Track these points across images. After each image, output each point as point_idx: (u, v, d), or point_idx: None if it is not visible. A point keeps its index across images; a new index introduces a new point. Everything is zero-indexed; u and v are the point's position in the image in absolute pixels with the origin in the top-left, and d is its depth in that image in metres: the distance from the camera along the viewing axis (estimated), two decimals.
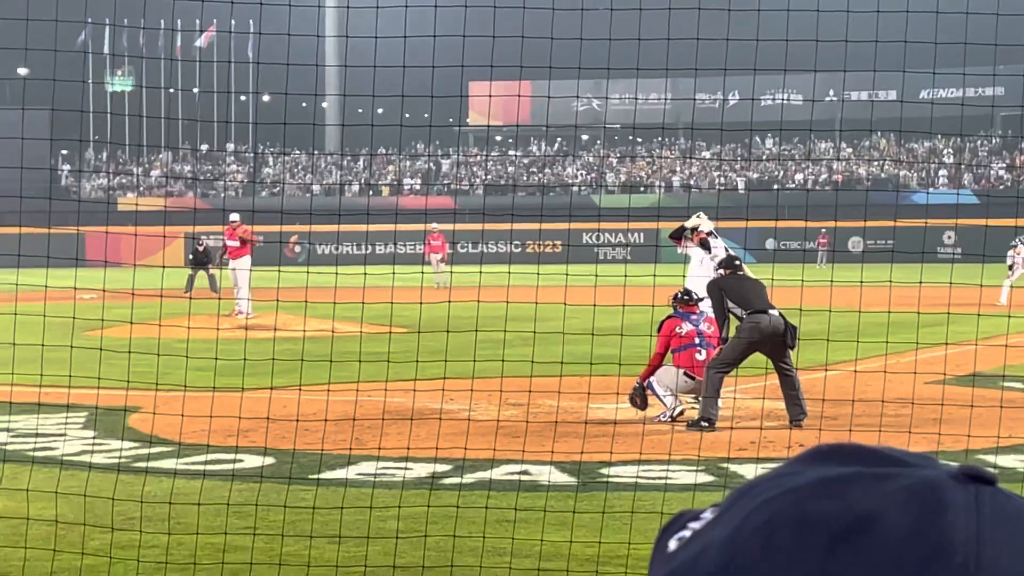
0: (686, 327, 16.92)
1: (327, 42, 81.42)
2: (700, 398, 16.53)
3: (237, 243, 35.38)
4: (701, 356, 16.69)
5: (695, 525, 0.99)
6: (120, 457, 13.75)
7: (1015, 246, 40.48)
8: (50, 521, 10.00)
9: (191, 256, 46.16)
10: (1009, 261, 39.89)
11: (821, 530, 0.91)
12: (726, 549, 0.93)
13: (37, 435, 14.98)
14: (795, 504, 0.93)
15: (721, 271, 17.35)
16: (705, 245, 19.48)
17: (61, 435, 15.18)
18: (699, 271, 19.15)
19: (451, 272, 44.91)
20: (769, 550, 0.92)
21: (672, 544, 0.99)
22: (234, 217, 36.22)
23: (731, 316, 16.59)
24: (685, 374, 16.70)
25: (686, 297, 17.33)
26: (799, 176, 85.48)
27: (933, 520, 0.91)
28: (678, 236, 19.90)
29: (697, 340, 16.84)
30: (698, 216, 19.90)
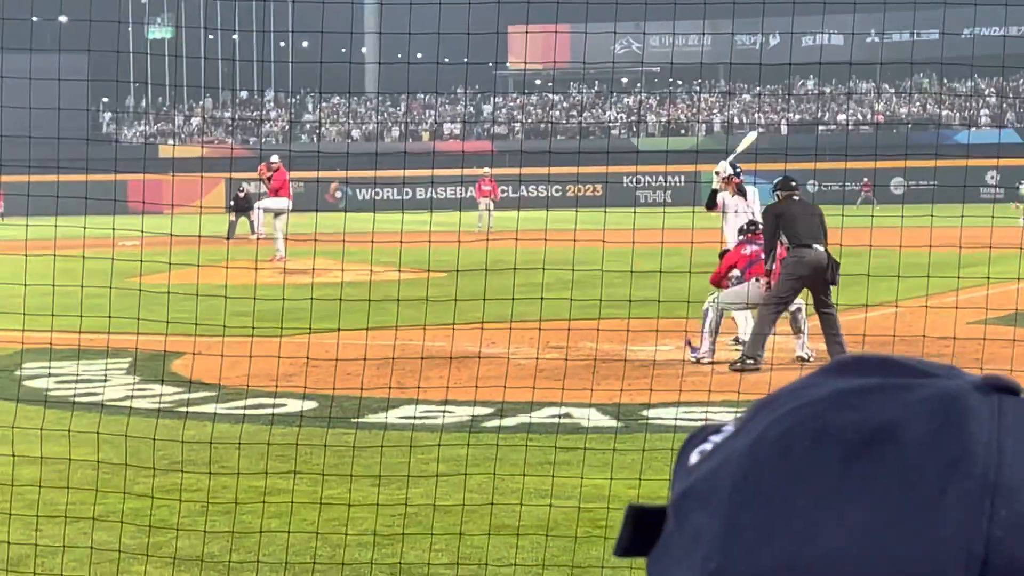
0: (751, 248, 17.04)
1: None
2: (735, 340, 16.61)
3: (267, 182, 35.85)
4: (768, 266, 16.78)
5: (716, 438, 0.99)
6: (161, 402, 13.84)
7: None
8: (94, 464, 10.08)
9: (232, 202, 46.15)
10: None
11: (839, 441, 0.90)
12: (744, 462, 0.93)
13: (78, 381, 15.09)
14: (814, 416, 0.93)
15: (778, 193, 17.21)
16: (742, 191, 19.31)
17: (103, 380, 15.29)
18: (735, 221, 19.04)
19: (490, 215, 44.96)
20: (787, 462, 0.91)
21: (694, 457, 0.99)
22: (275, 159, 36.33)
23: (780, 245, 16.58)
24: (757, 280, 16.74)
25: (752, 227, 17.40)
26: (841, 117, 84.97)
27: (953, 429, 0.89)
28: (713, 203, 19.54)
29: (763, 255, 16.86)
30: (716, 173, 19.59)
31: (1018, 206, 38.93)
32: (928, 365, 0.96)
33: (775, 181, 17.71)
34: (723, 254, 17.37)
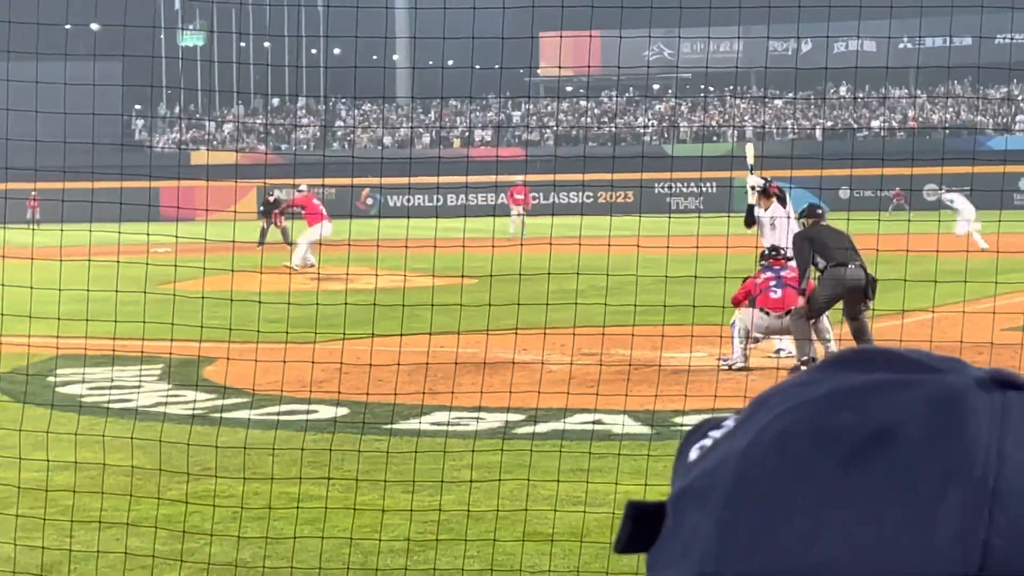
0: (764, 275, 17.26)
1: None
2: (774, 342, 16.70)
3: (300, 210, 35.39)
4: (775, 295, 16.99)
5: (716, 434, 0.97)
6: (194, 408, 13.85)
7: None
8: (127, 469, 10.09)
9: (262, 208, 45.62)
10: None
11: (836, 443, 0.88)
12: (741, 462, 0.90)
13: (112, 387, 15.11)
14: (811, 417, 0.90)
15: (804, 220, 17.44)
16: (782, 198, 19.12)
17: (136, 387, 15.31)
18: (771, 234, 18.88)
19: (523, 222, 45.03)
20: (783, 464, 0.88)
21: (694, 453, 0.97)
22: (302, 187, 36.27)
23: (812, 267, 16.76)
24: (761, 310, 17.01)
25: (773, 252, 17.55)
26: (875, 123, 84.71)
27: (952, 432, 0.86)
28: (752, 219, 19.27)
29: (773, 283, 17.11)
30: (752, 187, 19.26)
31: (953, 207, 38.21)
32: (931, 359, 0.93)
33: (800, 209, 17.83)
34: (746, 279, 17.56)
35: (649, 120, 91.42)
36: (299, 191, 36.39)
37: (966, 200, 38.71)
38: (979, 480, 0.84)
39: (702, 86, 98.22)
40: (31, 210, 57.19)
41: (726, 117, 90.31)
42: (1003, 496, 0.84)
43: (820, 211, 17.51)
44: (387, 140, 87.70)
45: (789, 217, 18.69)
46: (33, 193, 50.82)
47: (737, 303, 17.34)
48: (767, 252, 17.80)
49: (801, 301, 16.71)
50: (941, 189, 41.67)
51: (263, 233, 42.97)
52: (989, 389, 0.89)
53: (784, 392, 0.94)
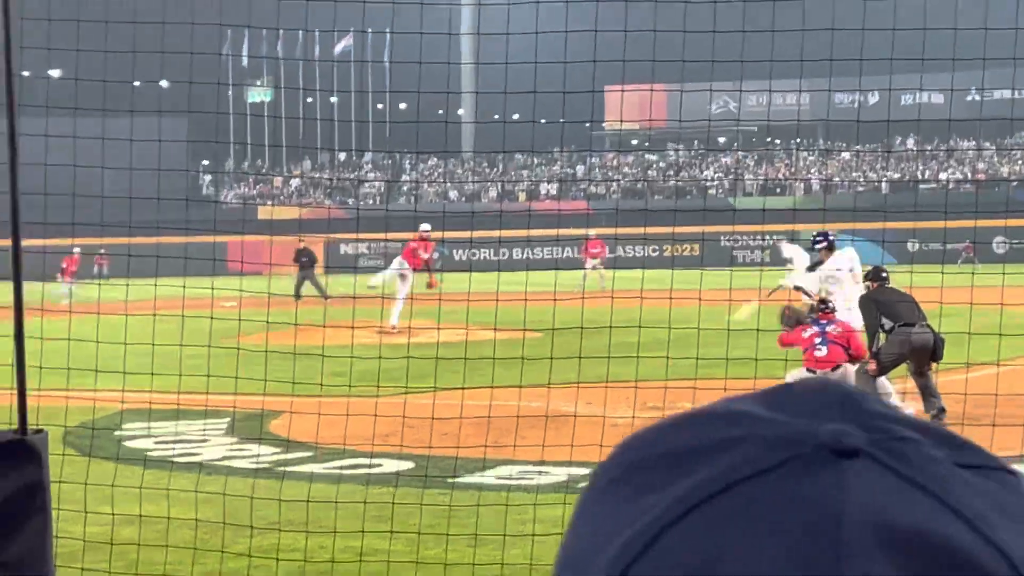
0: (811, 331, 17.27)
1: (462, 49, 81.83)
2: None
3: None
4: (820, 353, 17.01)
5: None
6: (258, 462, 13.91)
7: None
8: (192, 523, 10.14)
9: (293, 259, 43.53)
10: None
11: (630, 457, 0.91)
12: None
13: (177, 441, 15.20)
14: (652, 429, 0.93)
15: (869, 283, 17.59)
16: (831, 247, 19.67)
17: (202, 441, 15.39)
18: (794, 278, 19.18)
19: (601, 276, 45.12)
20: (603, 469, 0.93)
21: None
22: (425, 227, 33.35)
23: (880, 329, 16.86)
24: (808, 371, 17.05)
25: (823, 306, 17.60)
26: (942, 176, 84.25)
27: (727, 475, 0.85)
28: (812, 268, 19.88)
29: (818, 340, 17.12)
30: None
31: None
32: (852, 407, 0.89)
33: (865, 272, 18.08)
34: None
35: (715, 173, 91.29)
36: (424, 230, 33.29)
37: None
38: (654, 520, 0.85)
39: (768, 139, 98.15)
40: (98, 266, 57.58)
41: (792, 170, 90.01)
42: (663, 547, 0.85)
43: (884, 274, 17.68)
44: (452, 194, 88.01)
45: (850, 271, 18.92)
46: (102, 250, 51.14)
47: (784, 343, 17.40)
48: (816, 306, 17.92)
49: (873, 365, 16.72)
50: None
51: (297, 286, 42.05)
52: (816, 453, 0.86)
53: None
